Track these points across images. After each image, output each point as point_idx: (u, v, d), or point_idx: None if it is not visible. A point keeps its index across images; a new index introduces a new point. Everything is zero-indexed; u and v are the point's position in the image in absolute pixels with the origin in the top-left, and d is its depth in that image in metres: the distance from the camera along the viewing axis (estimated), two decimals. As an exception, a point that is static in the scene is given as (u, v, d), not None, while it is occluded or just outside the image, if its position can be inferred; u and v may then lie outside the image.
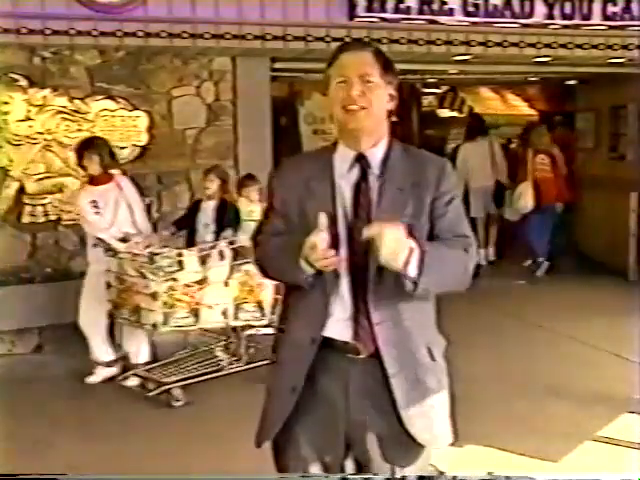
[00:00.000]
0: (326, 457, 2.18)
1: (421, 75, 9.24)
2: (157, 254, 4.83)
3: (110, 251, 5.04)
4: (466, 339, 5.59)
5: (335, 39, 5.88)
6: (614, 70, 7.64)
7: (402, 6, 6.20)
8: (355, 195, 2.12)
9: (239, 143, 6.62)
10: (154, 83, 6.38)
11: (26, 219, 6.05)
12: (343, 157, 2.17)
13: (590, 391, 4.93)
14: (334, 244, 2.04)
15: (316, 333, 2.11)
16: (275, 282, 4.94)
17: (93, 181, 5.30)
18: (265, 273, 2.31)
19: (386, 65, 2.14)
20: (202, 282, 4.88)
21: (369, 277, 2.09)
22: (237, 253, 5.07)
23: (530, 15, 6.54)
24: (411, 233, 2.00)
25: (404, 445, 2.14)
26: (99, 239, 5.16)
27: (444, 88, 12.39)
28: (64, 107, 6.11)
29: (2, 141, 5.99)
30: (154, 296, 4.75)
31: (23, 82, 6.00)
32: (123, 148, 6.26)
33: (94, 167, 5.22)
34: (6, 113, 5.99)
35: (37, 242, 6.15)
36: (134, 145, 6.32)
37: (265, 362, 4.90)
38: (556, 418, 4.51)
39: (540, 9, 6.55)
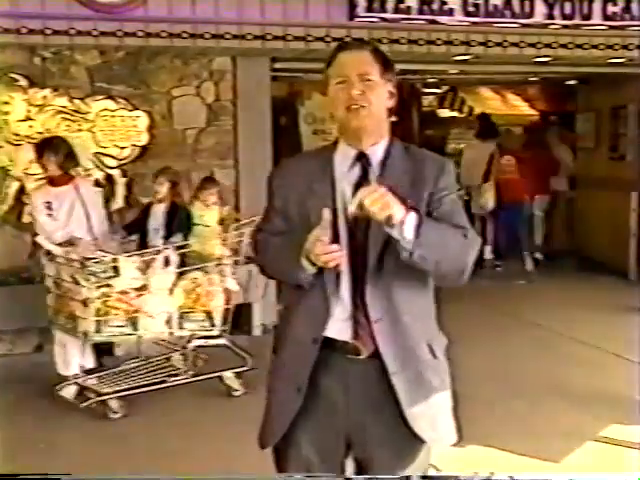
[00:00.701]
0: (327, 457, 2.18)
1: (421, 75, 9.24)
2: (90, 259, 4.62)
3: (48, 255, 4.88)
4: (466, 339, 5.58)
5: (335, 39, 5.88)
6: (614, 70, 7.64)
7: (402, 6, 6.20)
8: (355, 194, 2.12)
9: (239, 143, 6.62)
10: (154, 83, 6.39)
11: (26, 219, 6.04)
12: (344, 156, 2.17)
13: (590, 391, 4.93)
14: (334, 242, 2.03)
15: (317, 333, 2.11)
16: (233, 289, 4.95)
17: (51, 181, 5.10)
18: (265, 272, 2.31)
19: (385, 63, 2.14)
20: (142, 289, 4.66)
21: (367, 275, 2.09)
22: (185, 259, 4.89)
23: (530, 15, 6.54)
24: (406, 203, 1.98)
25: (405, 444, 2.14)
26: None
27: (444, 88, 12.37)
28: (64, 107, 6.11)
29: (2, 141, 6.00)
30: (85, 303, 4.55)
31: (23, 82, 6.00)
32: (123, 148, 6.27)
33: (52, 167, 5.03)
34: (6, 113, 5.99)
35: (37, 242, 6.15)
36: (134, 145, 6.32)
37: (214, 375, 4.91)
38: (556, 418, 4.51)
39: (540, 9, 6.55)
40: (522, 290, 8.02)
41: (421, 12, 6.26)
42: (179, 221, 5.19)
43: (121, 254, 4.80)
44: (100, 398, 4.69)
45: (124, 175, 6.28)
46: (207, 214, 5.36)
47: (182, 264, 4.84)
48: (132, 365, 5.05)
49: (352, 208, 1.95)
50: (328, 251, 1.99)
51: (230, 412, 4.68)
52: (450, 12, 6.32)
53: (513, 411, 4.60)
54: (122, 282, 4.62)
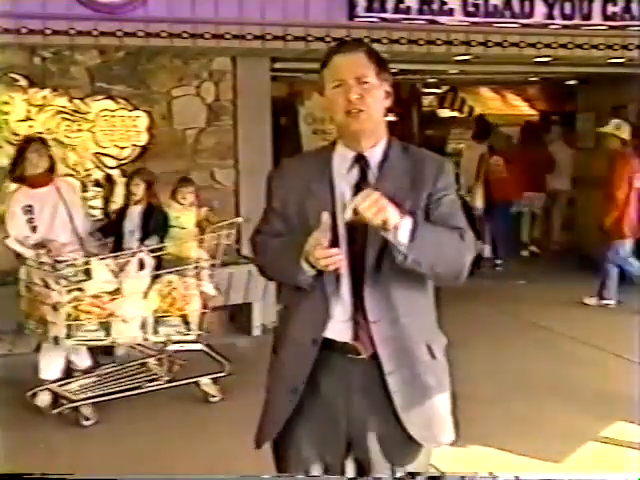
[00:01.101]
0: (327, 458, 2.18)
1: (421, 75, 9.25)
2: (60, 262, 4.50)
3: (18, 257, 4.78)
4: (466, 339, 5.59)
5: (335, 39, 5.86)
6: (614, 70, 7.64)
7: (402, 6, 6.20)
8: (354, 195, 2.12)
9: (239, 143, 6.62)
10: (154, 83, 6.38)
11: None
12: (342, 157, 2.17)
13: (590, 391, 4.93)
14: (334, 244, 2.03)
15: (317, 334, 2.11)
16: (210, 293, 4.83)
17: (30, 183, 4.94)
18: (265, 274, 2.30)
19: (380, 64, 2.13)
20: (115, 293, 4.52)
21: (366, 276, 2.09)
22: (161, 262, 4.78)
23: (530, 15, 6.54)
24: (402, 208, 1.99)
25: (404, 444, 2.14)
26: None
27: (444, 88, 12.39)
28: (64, 107, 6.11)
29: (2, 141, 5.99)
30: (56, 307, 4.42)
31: (23, 82, 6.00)
32: (123, 148, 6.27)
33: (34, 168, 4.89)
34: (6, 113, 5.99)
35: (37, 242, 6.15)
36: (134, 145, 6.31)
37: (190, 381, 4.82)
38: (556, 418, 4.51)
39: (540, 9, 6.55)
40: (522, 290, 8.02)
41: (421, 12, 6.26)
42: (155, 223, 5.08)
43: (93, 256, 4.71)
44: (72, 405, 4.59)
45: (124, 175, 6.27)
46: (184, 216, 5.24)
47: (158, 267, 4.72)
48: (107, 370, 4.93)
49: (348, 214, 1.96)
50: (328, 255, 1.99)
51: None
52: (450, 12, 6.32)
53: (513, 411, 4.60)
54: (94, 286, 4.50)
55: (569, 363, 5.52)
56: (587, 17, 6.67)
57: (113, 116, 6.24)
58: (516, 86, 11.91)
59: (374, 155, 2.15)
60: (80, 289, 4.49)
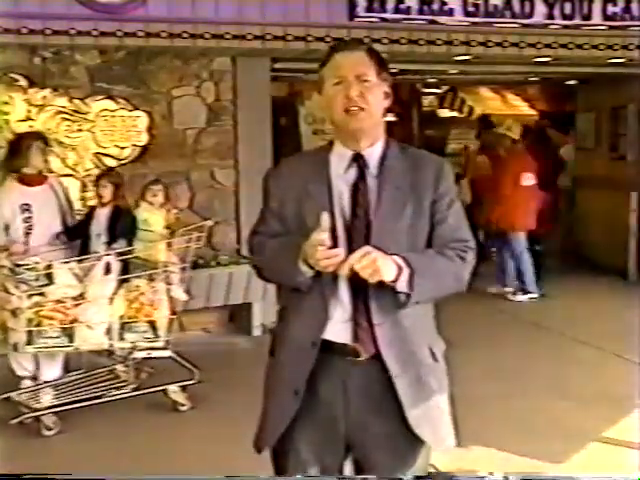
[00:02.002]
0: (326, 460, 2.17)
1: (421, 75, 9.24)
2: (20, 266, 4.33)
3: None
4: (465, 339, 5.59)
5: (335, 39, 5.86)
6: (614, 70, 7.64)
7: (402, 6, 6.21)
8: (353, 195, 2.11)
9: (239, 143, 6.62)
10: (154, 83, 6.38)
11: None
12: (340, 157, 2.16)
13: (590, 391, 4.93)
14: (333, 245, 2.03)
15: (316, 336, 2.10)
16: (180, 298, 4.68)
17: (26, 181, 4.88)
18: (262, 275, 2.28)
19: (380, 63, 2.13)
20: (79, 298, 4.38)
21: None
22: (128, 266, 4.62)
23: (530, 15, 6.54)
24: (398, 254, 2.01)
25: (404, 446, 2.14)
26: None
27: (444, 88, 12.38)
28: (64, 107, 6.11)
29: (2, 141, 5.99)
30: (15, 313, 4.29)
31: (23, 82, 5.99)
32: (123, 148, 6.27)
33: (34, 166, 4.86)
34: (6, 113, 5.99)
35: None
36: (134, 145, 6.31)
37: (157, 389, 4.63)
38: (556, 418, 4.50)
39: (540, 9, 6.55)
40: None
41: (421, 12, 6.27)
42: (122, 226, 4.94)
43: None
44: (33, 414, 4.42)
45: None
46: (153, 218, 5.06)
47: (125, 271, 4.56)
48: (72, 378, 4.74)
49: (344, 270, 1.98)
50: (329, 255, 1.98)
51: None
52: (450, 12, 6.33)
53: (513, 411, 4.59)
54: (57, 290, 4.35)
55: (569, 363, 5.52)
56: (587, 17, 6.67)
57: (113, 116, 6.23)
58: (516, 86, 11.90)
59: (372, 154, 2.15)
60: (42, 294, 4.34)
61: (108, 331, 4.44)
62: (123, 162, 6.28)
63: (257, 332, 6.38)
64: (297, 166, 2.26)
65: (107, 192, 5.02)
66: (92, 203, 5.44)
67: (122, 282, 4.52)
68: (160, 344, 4.54)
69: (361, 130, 2.11)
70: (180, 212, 5.82)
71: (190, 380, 4.74)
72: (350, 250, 2.06)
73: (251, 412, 2.35)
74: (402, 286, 2.00)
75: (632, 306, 6.77)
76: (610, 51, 6.85)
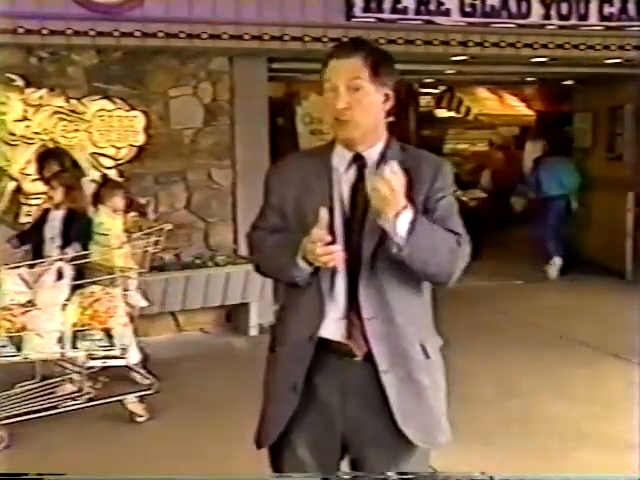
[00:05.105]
0: (323, 459, 2.17)
1: (418, 75, 9.25)
2: None
3: None
4: (464, 339, 5.59)
5: (332, 39, 5.87)
6: (611, 70, 7.66)
7: (399, 6, 6.21)
8: (353, 195, 2.12)
9: (236, 143, 6.62)
10: (151, 83, 6.38)
11: (23, 219, 6.02)
12: (341, 156, 2.16)
13: (590, 391, 4.93)
14: (332, 242, 2.03)
15: (313, 332, 2.10)
16: (137, 304, 4.60)
17: None
18: (260, 271, 2.29)
19: (377, 67, 2.08)
20: (28, 305, 4.20)
21: (361, 273, 2.08)
22: (83, 272, 4.48)
23: (527, 16, 6.55)
24: (411, 199, 1.99)
25: (401, 445, 2.13)
26: None
27: (441, 88, 12.39)
28: (61, 107, 6.09)
29: (-1, 141, 5.99)
30: None
31: (20, 82, 5.98)
32: (120, 148, 6.26)
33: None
34: (3, 113, 5.97)
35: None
36: (131, 145, 6.30)
37: (113, 399, 4.40)
38: (555, 418, 4.51)
39: (537, 10, 6.56)
40: (520, 290, 8.02)
41: (418, 12, 6.27)
42: (77, 229, 4.79)
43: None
44: None
45: (121, 175, 6.26)
46: (110, 221, 4.91)
47: (79, 277, 4.39)
48: (25, 388, 4.56)
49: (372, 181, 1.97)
50: (329, 251, 1.99)
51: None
52: (447, 12, 6.33)
53: (512, 411, 4.60)
54: (4, 297, 4.18)
55: (568, 363, 5.52)
56: (584, 18, 6.69)
57: (110, 116, 6.22)
58: (513, 86, 11.93)
59: (372, 155, 2.15)
60: None
61: (60, 339, 4.23)
62: (120, 162, 6.27)
63: (254, 332, 6.37)
64: (298, 163, 2.26)
65: (58, 194, 4.88)
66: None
67: (76, 288, 4.34)
68: (116, 352, 4.32)
69: (350, 139, 2.12)
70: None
71: (148, 390, 4.57)
72: (347, 247, 2.06)
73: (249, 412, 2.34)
74: (402, 226, 1.95)
75: (630, 305, 6.78)
76: (607, 51, 6.86)
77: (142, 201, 6.32)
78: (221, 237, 6.63)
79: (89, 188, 5.39)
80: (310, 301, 2.11)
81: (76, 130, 6.13)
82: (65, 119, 6.11)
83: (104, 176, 5.85)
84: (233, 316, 6.64)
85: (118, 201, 5.01)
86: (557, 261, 8.46)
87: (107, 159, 6.25)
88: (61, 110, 6.10)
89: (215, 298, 6.24)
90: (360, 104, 2.06)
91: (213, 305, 6.34)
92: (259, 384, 2.27)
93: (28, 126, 6.00)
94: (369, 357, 2.10)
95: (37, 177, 5.91)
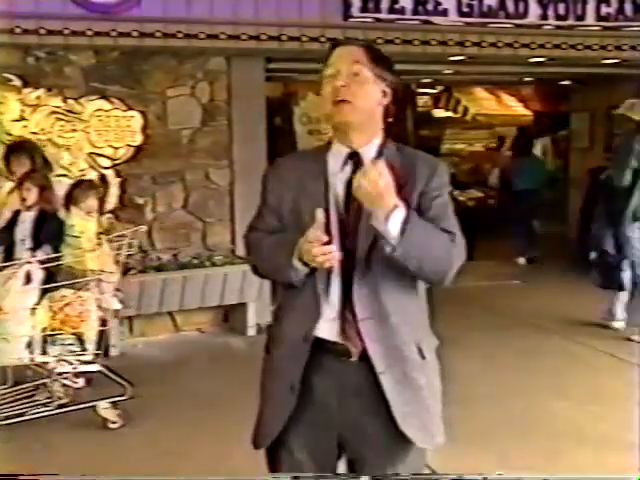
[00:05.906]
0: (320, 459, 2.17)
1: (416, 75, 9.26)
2: None
3: None
4: (463, 339, 5.61)
5: (330, 39, 5.86)
6: (608, 71, 7.67)
7: (397, 6, 6.22)
8: (347, 192, 2.11)
9: (234, 143, 6.61)
10: (149, 83, 6.37)
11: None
12: (337, 155, 2.16)
13: (589, 391, 4.93)
14: (328, 242, 2.03)
15: (308, 332, 2.10)
16: (111, 308, 4.42)
17: None
18: (257, 271, 2.29)
19: (377, 60, 2.12)
20: None
21: (355, 273, 2.08)
22: (54, 275, 4.33)
23: (524, 16, 6.55)
24: (403, 198, 1.99)
25: (398, 445, 2.13)
26: None
27: (439, 88, 12.41)
28: (58, 107, 6.09)
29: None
30: None
31: (17, 82, 5.98)
32: (118, 148, 6.26)
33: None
34: (0, 113, 5.97)
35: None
36: (129, 145, 6.30)
37: (85, 406, 4.27)
38: (555, 418, 4.50)
39: (534, 10, 6.57)
40: (518, 290, 8.02)
41: (415, 12, 6.28)
42: (48, 231, 4.67)
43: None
44: None
45: (118, 175, 6.27)
46: (82, 224, 4.78)
47: (50, 280, 4.25)
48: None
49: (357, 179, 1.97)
50: (325, 252, 1.99)
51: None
52: (444, 12, 6.34)
53: (511, 411, 4.59)
54: None
55: (567, 363, 5.53)
56: (581, 18, 6.69)
57: (107, 116, 6.22)
58: (510, 86, 11.95)
59: (367, 153, 2.15)
60: None
61: (29, 344, 4.13)
62: (117, 162, 6.27)
63: (251, 332, 6.37)
64: (295, 163, 2.27)
65: (32, 195, 4.77)
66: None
67: (46, 292, 4.22)
68: (88, 357, 4.23)
69: (348, 124, 2.11)
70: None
71: (121, 396, 4.44)
72: (342, 246, 2.06)
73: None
74: (394, 226, 1.96)
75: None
76: (604, 51, 6.87)
77: (140, 201, 6.33)
78: (219, 237, 6.63)
79: (60, 187, 5.22)
80: (306, 301, 2.11)
81: (73, 130, 6.13)
82: (62, 119, 6.11)
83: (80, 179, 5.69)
84: (231, 316, 6.64)
85: (92, 202, 4.88)
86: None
87: (104, 159, 6.26)
88: (58, 110, 6.09)
89: (213, 298, 6.24)
90: (359, 87, 2.08)
91: (211, 305, 6.34)
92: (257, 384, 2.27)
93: (25, 126, 6.00)
94: (365, 357, 2.09)
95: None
